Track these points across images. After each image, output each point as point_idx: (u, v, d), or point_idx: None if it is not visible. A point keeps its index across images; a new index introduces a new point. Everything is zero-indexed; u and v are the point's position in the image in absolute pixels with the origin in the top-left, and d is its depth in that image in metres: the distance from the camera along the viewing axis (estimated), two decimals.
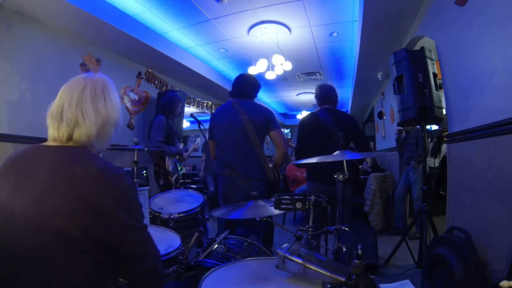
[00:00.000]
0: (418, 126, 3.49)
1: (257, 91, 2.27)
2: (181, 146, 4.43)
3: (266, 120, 2.10)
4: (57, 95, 0.85)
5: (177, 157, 3.27)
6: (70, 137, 0.81)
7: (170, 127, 3.15)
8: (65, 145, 0.82)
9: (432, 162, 3.95)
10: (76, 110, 0.81)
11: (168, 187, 3.05)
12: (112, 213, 0.76)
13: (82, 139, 0.82)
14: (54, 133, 0.82)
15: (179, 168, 3.31)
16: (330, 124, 2.28)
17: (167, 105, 3.22)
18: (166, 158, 3.09)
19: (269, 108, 2.35)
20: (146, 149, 2.63)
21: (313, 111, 2.55)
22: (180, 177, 3.33)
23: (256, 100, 2.30)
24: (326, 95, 2.47)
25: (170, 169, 3.11)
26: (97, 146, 0.86)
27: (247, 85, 2.21)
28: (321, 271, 0.86)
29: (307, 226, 1.12)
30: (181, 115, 4.15)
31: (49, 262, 0.73)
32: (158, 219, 1.99)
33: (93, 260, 0.76)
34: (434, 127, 4.96)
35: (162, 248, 1.45)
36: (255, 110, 2.12)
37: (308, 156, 1.42)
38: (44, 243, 0.72)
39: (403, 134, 3.83)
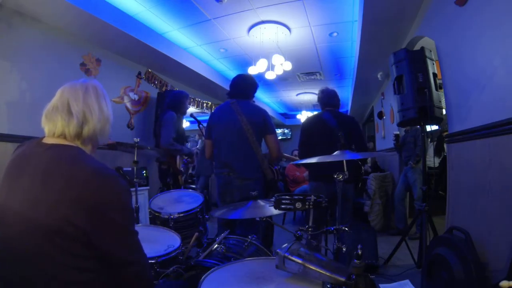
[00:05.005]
0: (417, 126, 3.49)
1: (255, 91, 2.28)
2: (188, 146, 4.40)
3: (264, 122, 2.11)
4: (56, 94, 0.86)
5: (186, 157, 3.20)
6: (79, 134, 0.84)
7: (180, 126, 3.06)
8: (61, 144, 0.82)
9: (432, 161, 3.95)
10: (83, 106, 0.85)
11: (177, 187, 2.99)
12: (104, 213, 0.76)
13: (89, 134, 0.85)
14: (63, 128, 0.82)
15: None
16: (334, 125, 2.31)
17: (175, 103, 3.07)
18: (178, 158, 3.01)
19: (267, 109, 2.37)
20: (148, 147, 2.62)
21: (317, 112, 2.57)
22: (189, 177, 3.29)
23: (255, 100, 2.31)
24: (328, 99, 2.52)
25: (181, 168, 3.06)
26: (100, 141, 0.92)
27: (244, 85, 2.22)
28: (321, 271, 0.86)
29: (307, 226, 1.12)
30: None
31: (42, 262, 0.73)
32: (158, 219, 1.99)
33: (86, 261, 0.76)
34: (434, 127, 4.96)
35: (162, 248, 1.45)
36: (253, 110, 2.14)
37: (314, 156, 1.42)
38: (37, 243, 0.72)
39: (402, 134, 3.84)
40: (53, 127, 0.83)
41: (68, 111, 0.83)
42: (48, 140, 0.83)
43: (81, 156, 0.82)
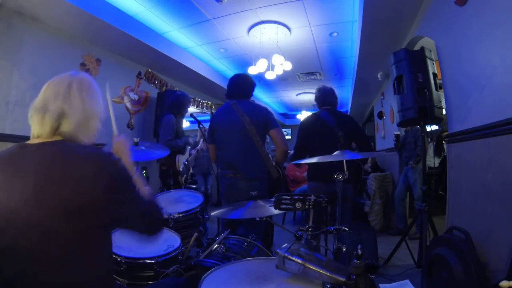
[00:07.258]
0: (417, 126, 3.49)
1: (253, 90, 2.27)
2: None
3: (265, 119, 2.11)
4: (40, 92, 0.86)
5: (188, 158, 3.21)
6: (55, 130, 0.81)
7: (179, 127, 3.08)
8: (51, 140, 0.81)
9: (432, 162, 3.95)
10: (63, 102, 0.82)
11: (177, 187, 3.00)
12: (116, 188, 0.79)
13: (67, 131, 0.82)
14: (39, 128, 0.81)
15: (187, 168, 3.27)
16: (333, 124, 2.29)
17: (176, 104, 3.10)
18: (177, 159, 3.03)
19: (268, 107, 2.36)
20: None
21: (315, 112, 2.56)
22: (189, 177, 3.29)
23: (255, 100, 2.30)
24: (325, 97, 2.50)
25: (181, 169, 3.06)
26: (82, 139, 0.86)
27: (243, 85, 2.22)
28: (321, 271, 0.86)
29: (307, 226, 1.12)
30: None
31: (48, 261, 0.73)
32: None
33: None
34: (434, 127, 4.96)
35: (162, 248, 1.45)
36: (254, 109, 2.13)
37: (311, 156, 1.42)
38: (42, 241, 0.72)
39: (402, 134, 3.84)
40: (34, 128, 0.82)
41: (45, 111, 0.81)
42: (33, 141, 0.82)
43: (76, 146, 0.82)
